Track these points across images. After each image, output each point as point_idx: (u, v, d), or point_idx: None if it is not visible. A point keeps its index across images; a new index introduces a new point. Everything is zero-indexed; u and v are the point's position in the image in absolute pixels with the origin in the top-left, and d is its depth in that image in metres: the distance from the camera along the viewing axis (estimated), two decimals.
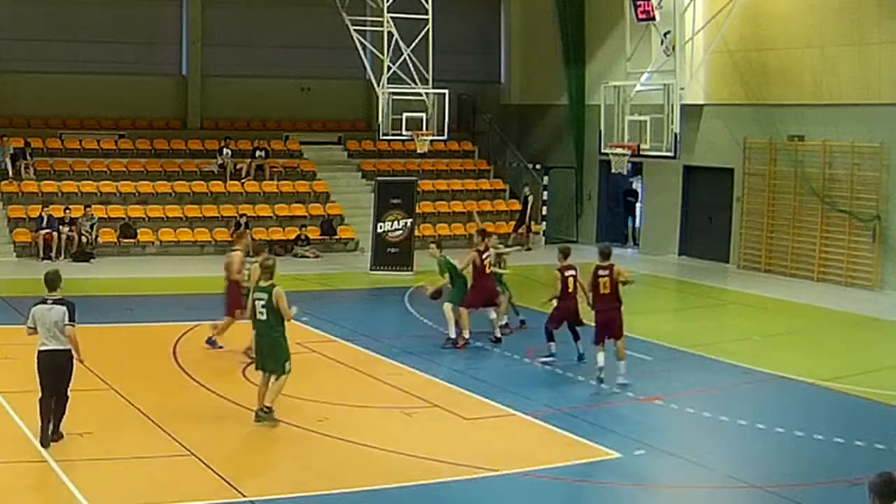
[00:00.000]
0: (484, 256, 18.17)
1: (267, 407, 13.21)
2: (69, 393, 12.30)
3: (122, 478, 11.26)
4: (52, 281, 12.57)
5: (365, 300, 24.63)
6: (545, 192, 33.01)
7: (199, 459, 11.81)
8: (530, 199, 31.97)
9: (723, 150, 28.14)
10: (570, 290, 16.72)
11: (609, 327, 15.70)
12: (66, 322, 12.10)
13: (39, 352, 12.25)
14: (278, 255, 28.32)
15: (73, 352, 12.22)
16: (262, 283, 13.45)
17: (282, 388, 13.37)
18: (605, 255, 15.92)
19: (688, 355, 18.11)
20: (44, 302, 12.30)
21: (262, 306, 13.31)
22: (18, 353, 15.98)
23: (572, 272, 16.83)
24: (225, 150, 31.06)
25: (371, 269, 26.49)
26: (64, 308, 12.19)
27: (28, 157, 29.11)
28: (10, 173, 28.66)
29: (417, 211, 28.00)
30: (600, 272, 15.75)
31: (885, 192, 24.46)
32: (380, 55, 28.77)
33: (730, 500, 11.77)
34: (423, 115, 28.44)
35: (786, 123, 26.35)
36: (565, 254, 17.09)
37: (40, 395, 12.25)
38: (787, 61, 26.21)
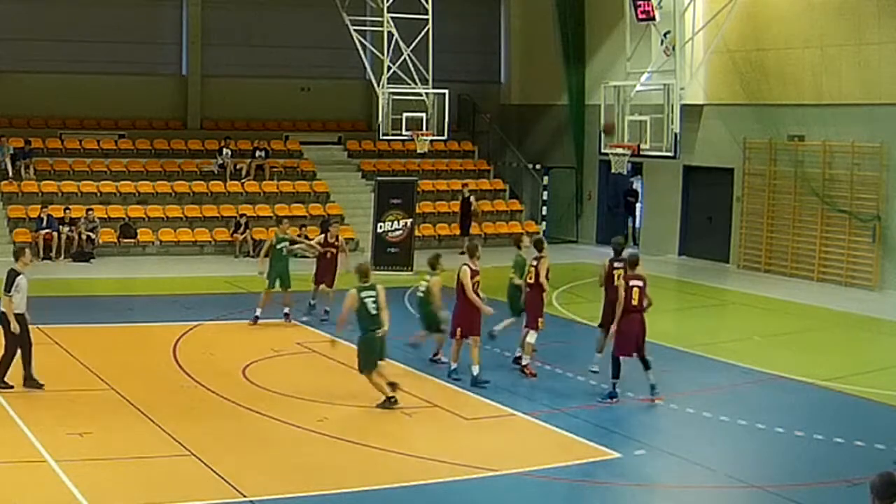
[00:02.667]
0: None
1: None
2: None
3: (122, 478, 11.26)
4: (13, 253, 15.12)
5: None
6: (545, 192, 33.03)
7: (199, 459, 11.81)
8: (472, 200, 30.79)
9: (723, 150, 28.14)
10: (634, 303, 14.78)
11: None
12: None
13: None
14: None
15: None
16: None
17: None
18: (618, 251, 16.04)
19: (688, 355, 18.10)
20: None
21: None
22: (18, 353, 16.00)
23: (639, 282, 14.86)
24: (225, 151, 31.05)
25: (371, 269, 26.45)
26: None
27: (28, 158, 29.07)
28: (10, 173, 28.65)
29: (417, 211, 27.99)
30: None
31: (885, 192, 24.46)
32: (380, 55, 28.76)
33: (730, 500, 11.77)
34: (423, 115, 28.43)
35: (786, 123, 26.35)
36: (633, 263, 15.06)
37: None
38: (787, 61, 26.21)
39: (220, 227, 29.21)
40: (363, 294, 14.13)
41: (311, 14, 32.17)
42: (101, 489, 10.85)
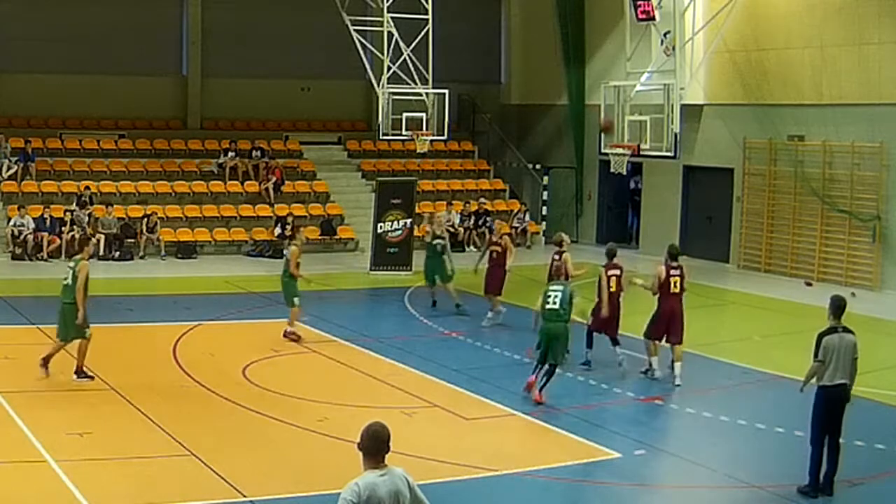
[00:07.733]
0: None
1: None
2: None
3: (122, 478, 11.26)
4: None
5: (365, 300, 24.63)
6: (545, 192, 33.03)
7: (199, 459, 11.81)
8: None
9: (723, 150, 28.15)
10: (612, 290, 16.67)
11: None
12: None
13: None
14: (275, 257, 28.41)
15: None
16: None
17: None
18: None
19: (688, 355, 18.00)
20: None
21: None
22: (18, 353, 16.02)
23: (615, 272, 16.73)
24: (230, 153, 31.01)
25: (371, 270, 26.48)
26: None
27: (31, 160, 28.98)
28: (10, 173, 28.59)
29: (417, 211, 27.99)
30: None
31: (885, 192, 24.46)
32: (380, 55, 28.75)
33: (730, 500, 11.77)
34: (423, 115, 28.42)
35: (786, 123, 26.36)
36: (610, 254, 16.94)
37: None
38: (787, 61, 26.22)
39: (221, 228, 29.21)
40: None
41: (311, 14, 32.14)
42: (101, 489, 10.85)
